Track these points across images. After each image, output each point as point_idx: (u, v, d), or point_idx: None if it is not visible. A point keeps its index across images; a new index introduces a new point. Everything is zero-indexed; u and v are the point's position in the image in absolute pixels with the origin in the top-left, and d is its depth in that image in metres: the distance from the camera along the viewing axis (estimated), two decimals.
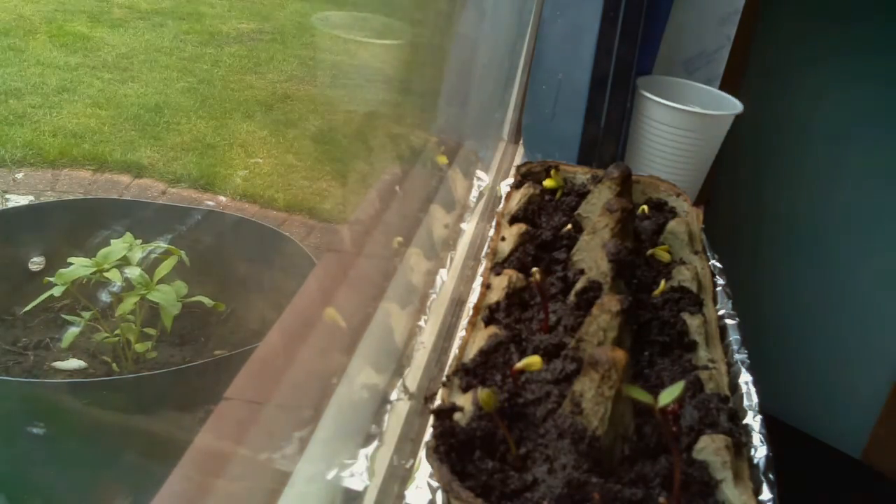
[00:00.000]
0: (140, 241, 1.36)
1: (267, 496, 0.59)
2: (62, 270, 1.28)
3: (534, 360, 0.57)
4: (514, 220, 0.84)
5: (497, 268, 0.75)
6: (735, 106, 1.16)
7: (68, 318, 1.33)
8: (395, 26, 1.19)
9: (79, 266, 1.28)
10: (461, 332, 0.67)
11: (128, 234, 1.36)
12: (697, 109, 1.11)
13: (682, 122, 1.10)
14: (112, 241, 1.34)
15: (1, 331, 1.41)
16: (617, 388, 0.52)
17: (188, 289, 1.38)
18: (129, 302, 1.28)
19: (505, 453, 0.52)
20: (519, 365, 0.57)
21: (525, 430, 0.55)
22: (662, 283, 0.75)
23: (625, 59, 1.12)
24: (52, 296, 1.29)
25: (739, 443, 0.56)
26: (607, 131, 1.14)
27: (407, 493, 0.52)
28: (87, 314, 1.33)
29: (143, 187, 2.20)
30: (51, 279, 1.28)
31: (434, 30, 1.21)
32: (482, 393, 0.51)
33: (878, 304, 1.97)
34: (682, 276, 0.76)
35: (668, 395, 0.47)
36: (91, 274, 1.28)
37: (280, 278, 1.49)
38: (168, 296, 1.31)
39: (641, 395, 0.48)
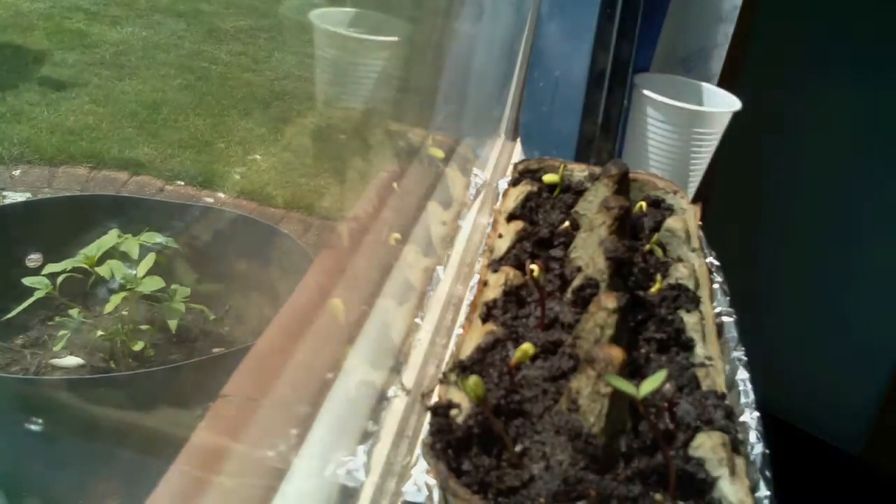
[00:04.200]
0: (129, 235, 1.37)
1: (264, 492, 0.59)
2: (50, 265, 1.29)
3: (526, 349, 0.57)
4: (511, 217, 0.84)
5: (494, 265, 0.75)
6: (733, 103, 1.16)
7: (60, 321, 1.33)
8: (392, 23, 1.19)
9: (65, 263, 1.28)
10: (458, 329, 0.67)
11: (114, 230, 1.35)
12: (696, 107, 1.11)
13: (681, 119, 1.10)
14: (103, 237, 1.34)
15: None
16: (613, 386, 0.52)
17: (186, 286, 1.38)
18: (118, 297, 1.28)
19: (502, 450, 0.52)
20: (514, 360, 0.57)
21: (522, 427, 0.55)
22: (659, 280, 0.75)
23: (622, 56, 1.12)
24: (50, 293, 1.29)
25: (736, 440, 0.56)
26: (605, 128, 1.14)
27: (404, 489, 0.52)
28: (74, 311, 1.33)
29: (141, 184, 2.20)
30: (39, 278, 1.28)
31: (432, 27, 1.21)
32: (470, 381, 0.51)
33: (876, 302, 1.97)
34: (680, 273, 0.76)
35: (649, 385, 0.47)
36: (72, 271, 1.28)
37: (277, 275, 1.49)
38: (175, 296, 1.32)
39: (625, 386, 0.48)
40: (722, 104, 1.16)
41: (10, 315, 1.31)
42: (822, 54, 1.82)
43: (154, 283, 1.32)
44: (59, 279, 1.29)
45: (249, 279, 1.55)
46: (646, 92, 1.11)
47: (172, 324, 1.32)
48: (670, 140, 1.11)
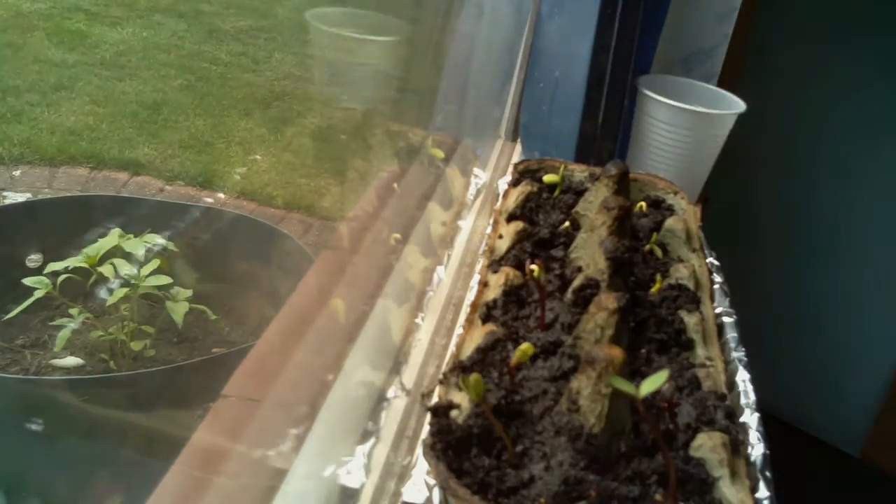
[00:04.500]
0: (131, 235, 1.37)
1: (264, 493, 0.59)
2: (51, 264, 1.29)
3: (525, 349, 0.57)
4: (511, 217, 0.84)
5: (494, 265, 0.75)
6: (738, 105, 1.16)
7: (60, 322, 1.33)
8: (392, 23, 1.19)
9: (67, 262, 1.28)
10: (458, 330, 0.67)
11: (116, 230, 1.35)
12: (702, 109, 1.11)
13: (686, 121, 1.10)
14: (101, 239, 1.34)
15: None
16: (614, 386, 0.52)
17: (187, 286, 1.38)
18: (122, 291, 1.28)
19: (502, 450, 0.52)
20: (513, 360, 0.57)
21: (522, 428, 0.55)
22: (659, 280, 0.75)
23: (622, 56, 1.11)
24: (50, 293, 1.28)
25: (736, 440, 0.56)
26: (604, 129, 1.14)
27: (404, 490, 0.52)
28: (75, 311, 1.33)
29: (141, 185, 2.20)
30: (39, 278, 1.28)
31: (432, 27, 1.21)
32: (471, 379, 0.51)
33: (876, 302, 1.97)
34: (680, 273, 0.76)
35: (649, 385, 0.47)
36: (72, 270, 1.28)
37: (278, 275, 1.49)
38: (177, 296, 1.32)
39: (625, 387, 0.48)
40: (727, 105, 1.16)
41: (9, 316, 1.31)
42: (821, 54, 1.82)
43: (158, 280, 1.32)
44: (60, 279, 1.29)
45: (250, 280, 1.55)
46: (652, 94, 1.11)
47: (178, 317, 1.32)
48: (677, 142, 1.11)
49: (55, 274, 1.30)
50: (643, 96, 1.13)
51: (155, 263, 1.34)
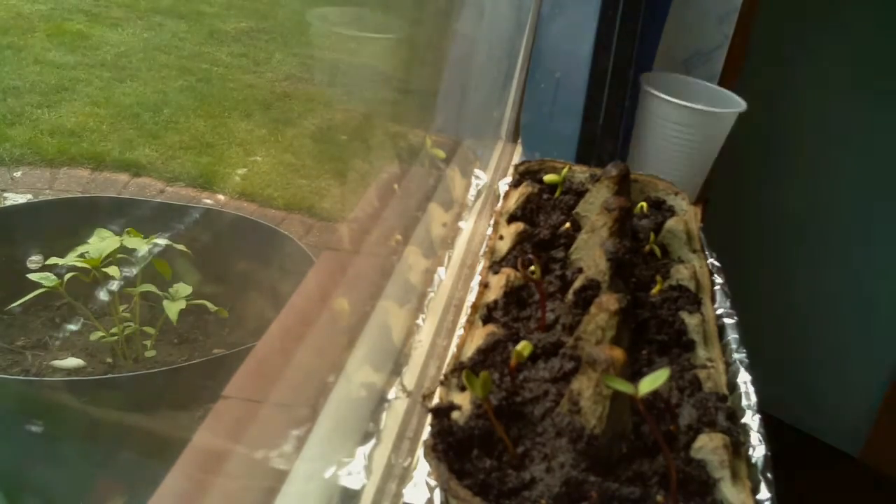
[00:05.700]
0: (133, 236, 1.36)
1: (265, 494, 0.59)
2: (53, 258, 1.29)
3: (521, 349, 0.57)
4: (512, 218, 0.84)
5: (495, 266, 0.75)
6: (738, 104, 1.16)
7: (61, 321, 1.32)
8: (393, 24, 1.19)
9: (71, 258, 1.28)
10: (459, 331, 0.67)
11: (100, 229, 1.35)
12: (706, 107, 1.10)
13: (690, 119, 1.10)
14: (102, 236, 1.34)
15: (0, 329, 1.41)
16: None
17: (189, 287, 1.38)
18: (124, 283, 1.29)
19: (503, 452, 0.52)
20: (512, 361, 0.57)
21: (523, 429, 0.55)
22: (660, 281, 0.75)
23: (623, 57, 1.11)
24: (56, 289, 1.28)
25: (737, 442, 0.56)
26: (605, 130, 1.13)
27: (405, 491, 0.52)
28: (77, 311, 1.33)
29: (142, 186, 2.20)
30: (45, 274, 1.28)
31: (432, 28, 1.21)
32: (482, 376, 0.51)
33: (877, 303, 1.97)
34: (681, 274, 0.76)
35: (648, 384, 0.47)
36: (77, 268, 1.28)
37: (279, 276, 1.49)
38: (177, 295, 1.32)
39: (623, 386, 0.48)
40: (726, 104, 1.16)
41: (15, 304, 1.30)
42: (821, 54, 1.82)
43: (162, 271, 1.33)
44: (66, 277, 1.29)
45: (250, 281, 1.55)
46: (656, 92, 1.11)
47: (173, 315, 1.31)
48: (679, 140, 1.11)
49: (59, 273, 1.30)
50: (647, 94, 1.12)
51: (166, 266, 1.35)
